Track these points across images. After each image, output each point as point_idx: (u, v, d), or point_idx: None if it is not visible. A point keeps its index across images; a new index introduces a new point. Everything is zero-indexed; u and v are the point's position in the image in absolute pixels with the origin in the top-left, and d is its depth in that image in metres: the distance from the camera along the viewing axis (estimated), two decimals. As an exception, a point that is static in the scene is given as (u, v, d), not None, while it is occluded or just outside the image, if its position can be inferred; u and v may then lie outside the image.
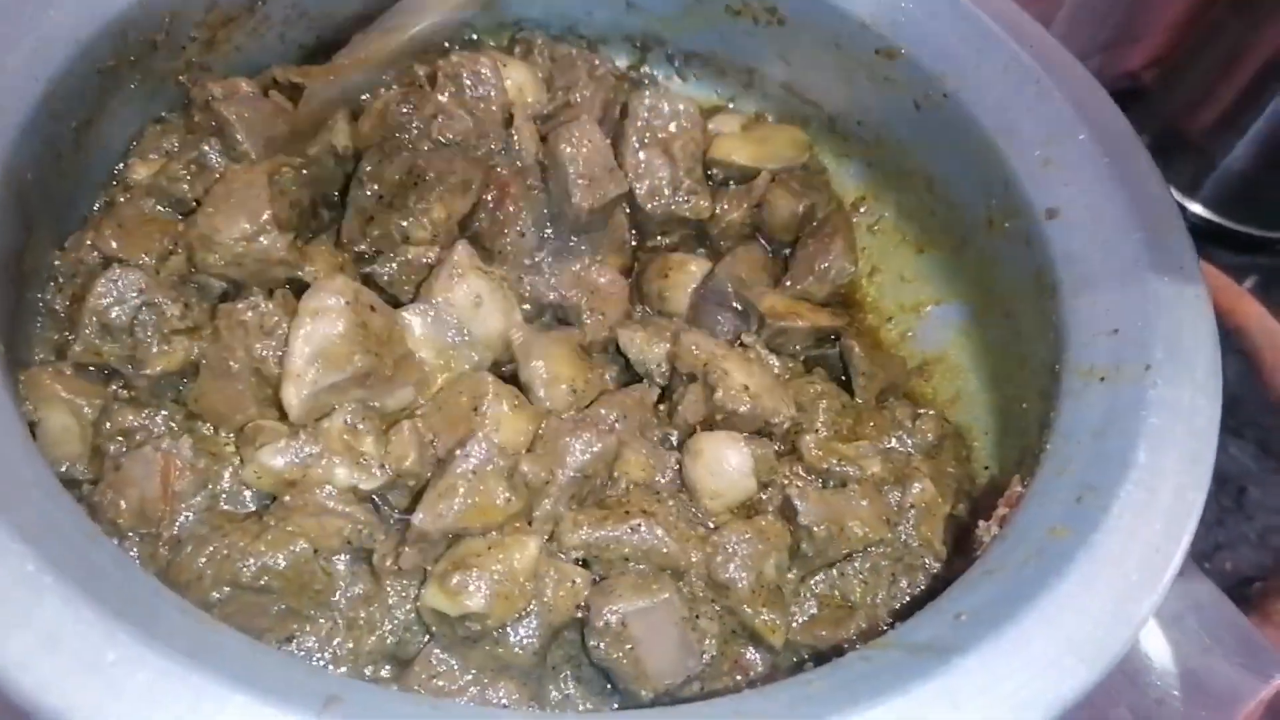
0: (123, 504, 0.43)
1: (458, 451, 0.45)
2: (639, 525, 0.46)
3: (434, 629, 0.43)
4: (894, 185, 0.68)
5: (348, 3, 0.63)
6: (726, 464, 0.49)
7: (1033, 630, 0.37)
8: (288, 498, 0.44)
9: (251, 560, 0.41)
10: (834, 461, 0.51)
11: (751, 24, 0.68)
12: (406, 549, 0.43)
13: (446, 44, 0.66)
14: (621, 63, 0.73)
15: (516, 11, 0.71)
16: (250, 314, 0.47)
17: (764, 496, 0.50)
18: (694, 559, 0.46)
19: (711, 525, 0.48)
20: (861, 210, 0.69)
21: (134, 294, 0.47)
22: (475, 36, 0.70)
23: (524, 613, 0.43)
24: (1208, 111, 1.07)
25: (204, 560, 0.41)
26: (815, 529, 0.48)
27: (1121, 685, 0.60)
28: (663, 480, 0.50)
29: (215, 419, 0.47)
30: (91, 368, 0.47)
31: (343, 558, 0.44)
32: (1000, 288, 0.59)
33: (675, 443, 0.52)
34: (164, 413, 0.47)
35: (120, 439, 0.45)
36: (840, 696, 0.35)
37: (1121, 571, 0.39)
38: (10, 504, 0.34)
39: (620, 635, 0.43)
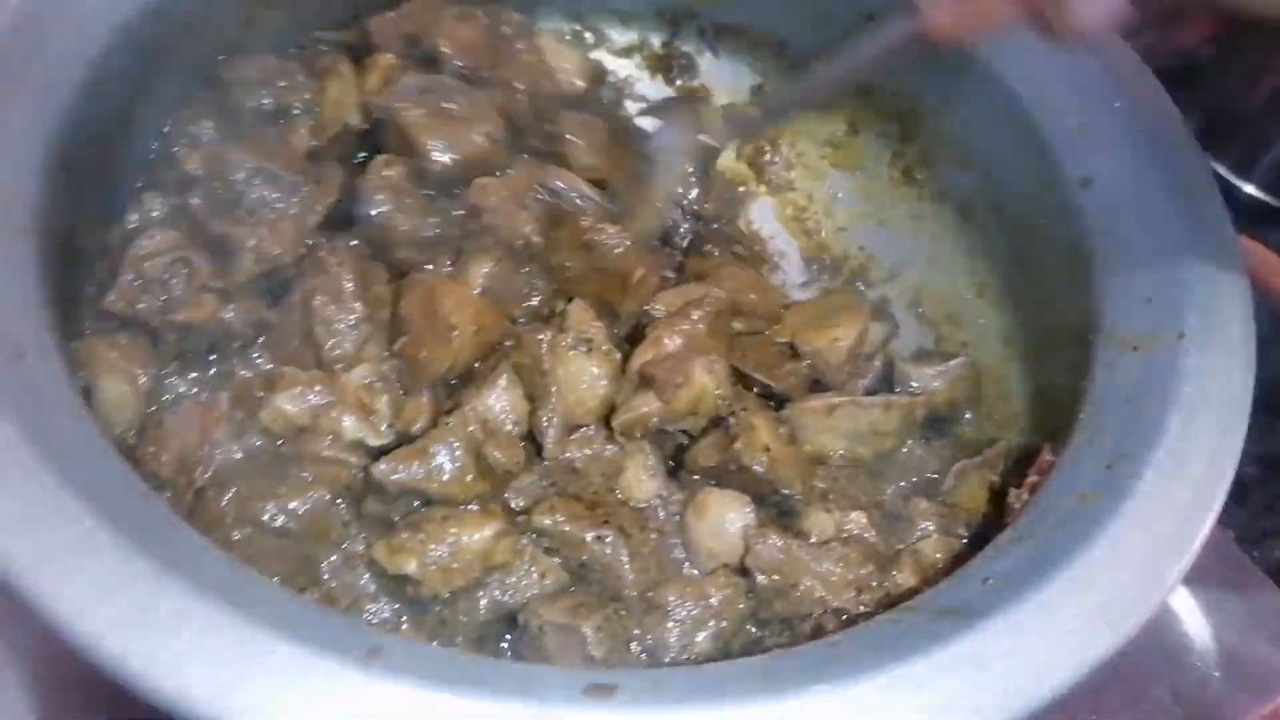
0: (164, 456, 0.45)
1: (443, 418, 0.46)
2: (606, 537, 0.46)
3: (379, 585, 0.44)
4: (932, 158, 0.68)
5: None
6: (730, 527, 0.48)
7: (1060, 595, 0.37)
8: (297, 444, 0.46)
9: (271, 503, 0.43)
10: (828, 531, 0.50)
11: (784, -5, 0.69)
12: (369, 496, 0.45)
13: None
14: (655, 39, 0.73)
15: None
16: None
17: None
18: (636, 597, 0.46)
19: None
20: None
21: (170, 249, 0.49)
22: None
23: (472, 588, 0.44)
24: (1262, 90, 1.05)
25: (226, 501, 0.43)
26: (759, 577, 0.46)
27: (1162, 666, 0.61)
28: (660, 515, 0.49)
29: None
30: (130, 325, 0.49)
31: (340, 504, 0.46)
32: (1034, 258, 0.59)
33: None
34: (212, 372, 0.49)
35: (168, 398, 0.48)
36: (866, 657, 0.35)
37: (1150, 538, 0.39)
38: (68, 465, 0.35)
39: (535, 639, 0.43)
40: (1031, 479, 0.45)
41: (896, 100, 0.68)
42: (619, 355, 0.50)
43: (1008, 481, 0.49)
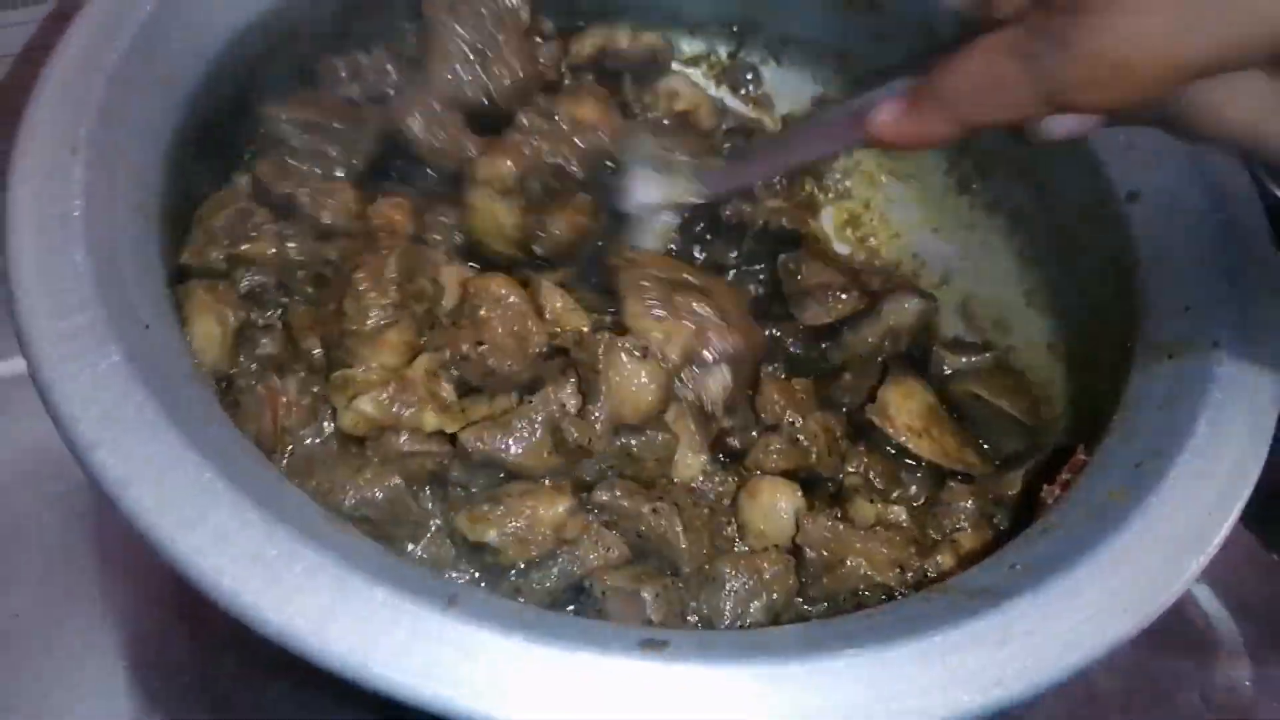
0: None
1: (526, 398, 0.50)
2: (661, 510, 0.49)
3: (459, 551, 0.48)
4: (986, 170, 0.70)
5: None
6: (782, 511, 0.52)
7: (1083, 580, 0.40)
8: (379, 439, 0.49)
9: (350, 493, 0.47)
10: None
11: (848, 7, 0.71)
12: (454, 465, 0.49)
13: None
14: (721, 50, 0.77)
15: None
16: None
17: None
18: (693, 570, 0.49)
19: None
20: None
21: (231, 204, 0.55)
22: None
23: (545, 559, 0.47)
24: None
25: (309, 490, 0.46)
26: (808, 552, 0.50)
27: (1193, 671, 0.62)
28: (710, 495, 0.53)
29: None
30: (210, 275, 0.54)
31: (427, 491, 0.49)
32: (1081, 267, 0.61)
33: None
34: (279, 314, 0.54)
35: (252, 365, 0.52)
36: (898, 627, 0.38)
37: (1173, 532, 0.41)
38: (190, 427, 0.40)
39: (598, 604, 0.47)
40: (1064, 476, 0.48)
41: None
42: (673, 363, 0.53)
43: (1042, 478, 0.51)
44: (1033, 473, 0.54)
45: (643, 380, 0.50)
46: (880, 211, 0.75)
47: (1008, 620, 0.38)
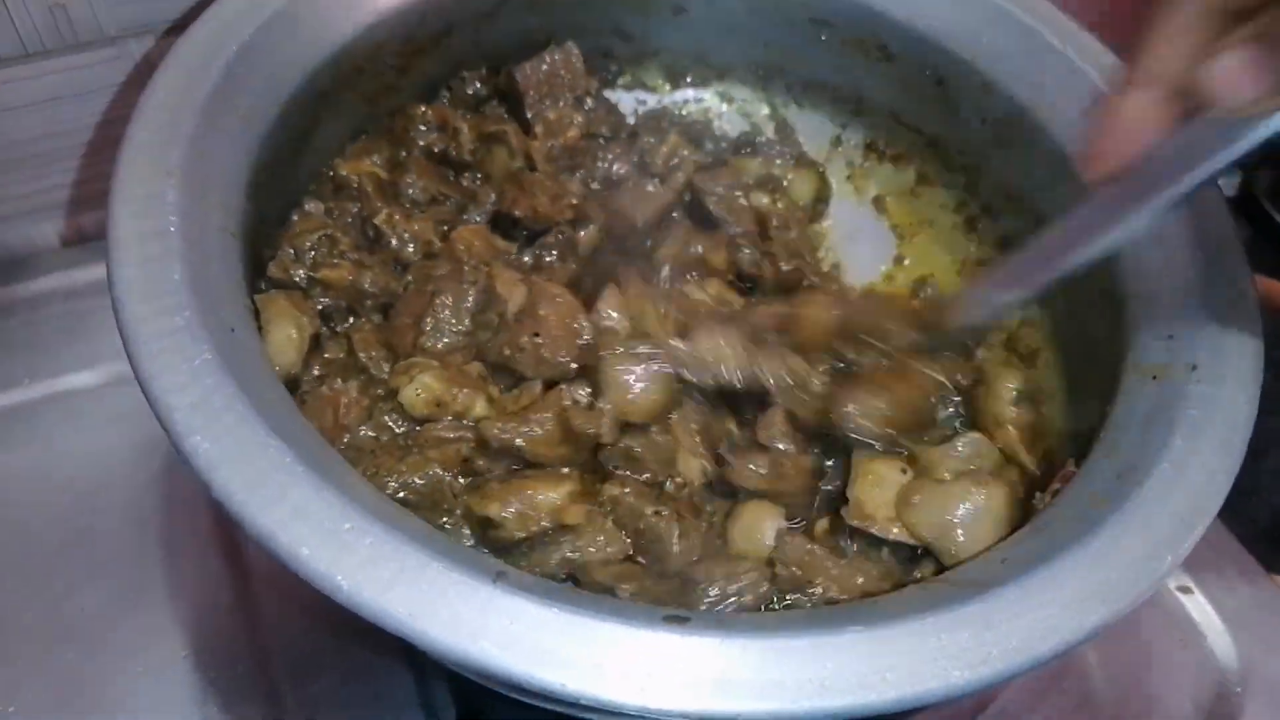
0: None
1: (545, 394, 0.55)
2: (664, 513, 0.54)
3: (474, 533, 0.53)
4: (991, 207, 0.75)
5: (512, 37, 0.75)
6: (763, 534, 0.55)
7: (1064, 573, 0.44)
8: (421, 428, 0.55)
9: (394, 478, 0.52)
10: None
11: (864, 58, 0.77)
12: (480, 454, 0.54)
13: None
14: (743, 92, 0.83)
15: (656, 42, 0.81)
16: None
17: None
18: (678, 571, 0.53)
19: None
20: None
21: (318, 229, 0.61)
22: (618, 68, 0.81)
23: (547, 540, 0.52)
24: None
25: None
26: (779, 568, 0.53)
27: (1185, 678, 0.66)
28: (709, 508, 0.57)
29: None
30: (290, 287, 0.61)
31: (459, 481, 0.55)
32: (1078, 299, 0.66)
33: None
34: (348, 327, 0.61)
35: (316, 369, 0.58)
36: (895, 610, 0.43)
37: (1148, 535, 0.46)
38: (271, 417, 0.45)
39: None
40: (1054, 486, 0.52)
41: (963, 157, 0.76)
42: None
43: (1034, 489, 0.56)
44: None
45: (643, 382, 0.55)
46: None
47: (994, 607, 0.43)
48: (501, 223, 0.69)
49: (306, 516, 0.42)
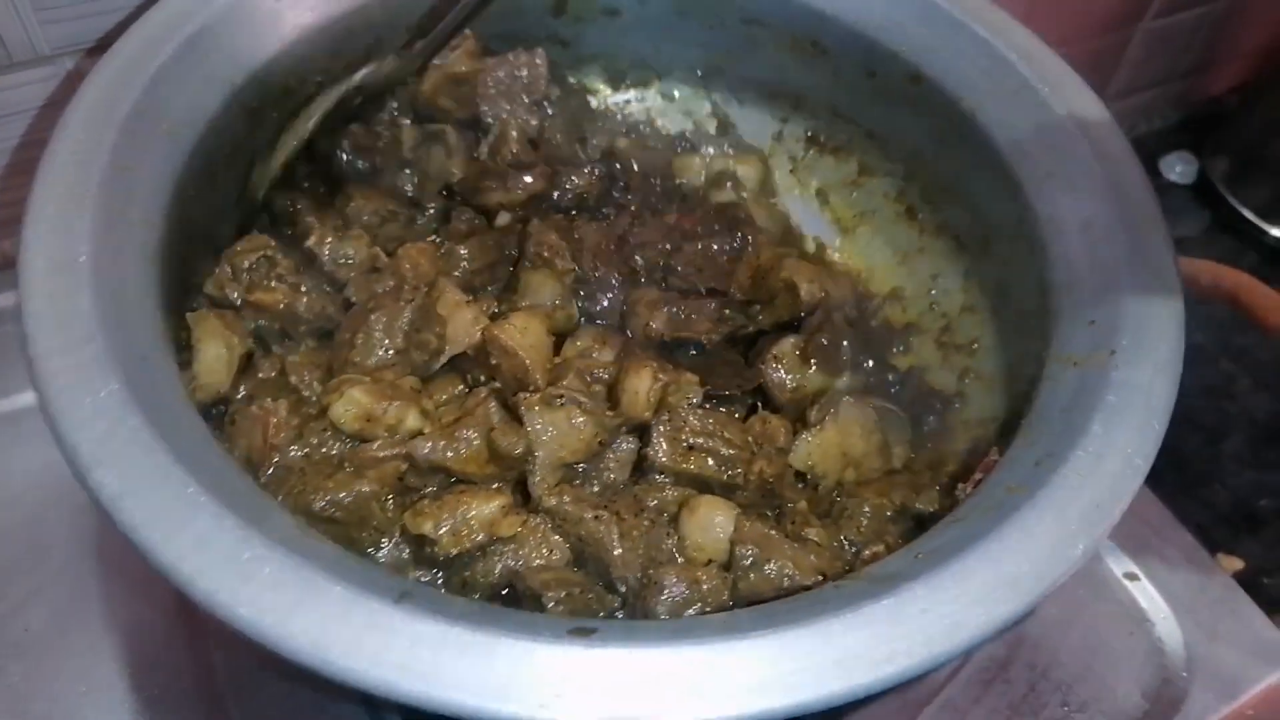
0: (236, 452, 0.55)
1: (473, 404, 0.55)
2: (602, 516, 0.53)
3: (411, 553, 0.53)
4: (930, 197, 0.75)
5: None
6: (718, 528, 0.55)
7: (975, 566, 0.44)
8: (356, 445, 0.55)
9: (319, 496, 0.52)
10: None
11: (799, 55, 0.77)
12: (409, 472, 0.54)
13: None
14: (684, 91, 0.82)
15: (592, 46, 0.81)
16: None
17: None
18: (629, 578, 0.53)
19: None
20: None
21: (259, 248, 0.61)
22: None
23: (485, 552, 0.52)
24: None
25: (283, 495, 0.52)
26: (738, 549, 0.53)
27: (1133, 665, 0.66)
28: (652, 505, 0.56)
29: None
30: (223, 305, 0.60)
31: (390, 501, 0.54)
32: (1012, 287, 0.65)
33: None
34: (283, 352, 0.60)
35: (243, 389, 0.58)
36: (805, 612, 0.42)
37: (1062, 522, 0.45)
38: (178, 445, 0.45)
39: (527, 604, 0.51)
40: (976, 476, 0.52)
41: (900, 148, 0.75)
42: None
43: (958, 480, 0.55)
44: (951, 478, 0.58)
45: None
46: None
47: (901, 603, 0.42)
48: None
49: (207, 546, 0.42)
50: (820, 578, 0.52)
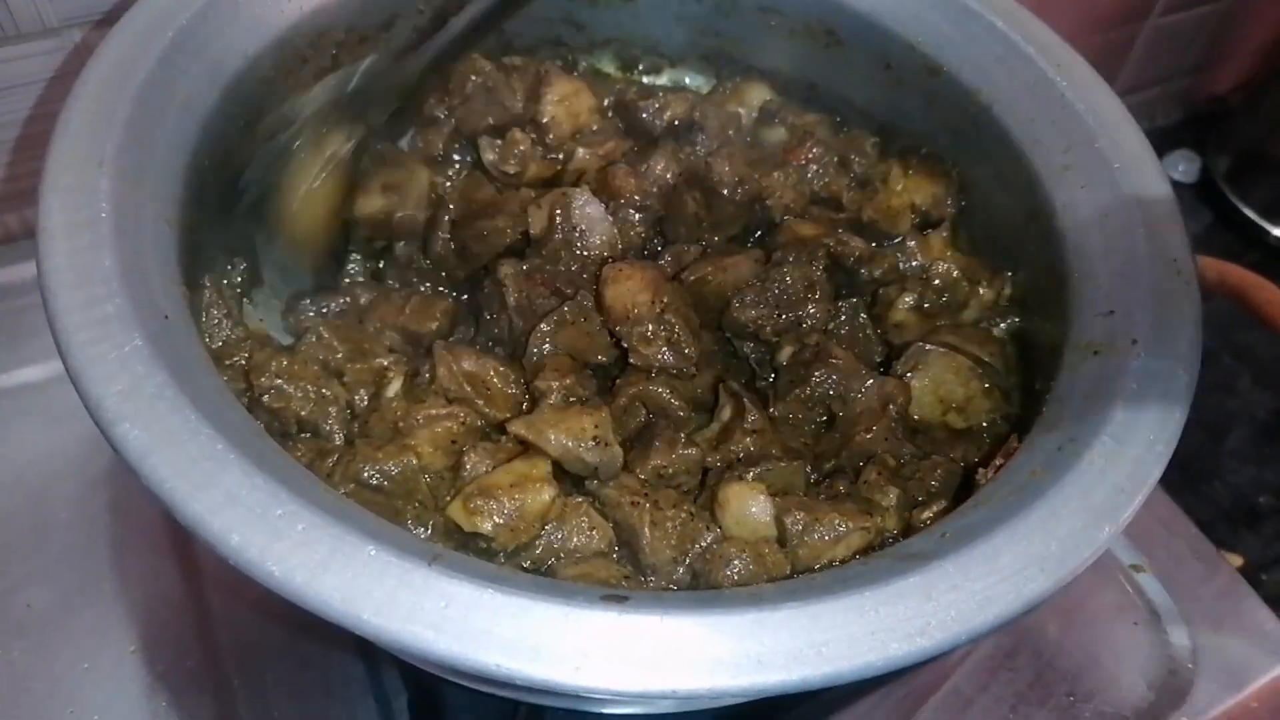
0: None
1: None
2: (639, 503, 0.53)
3: (444, 539, 0.52)
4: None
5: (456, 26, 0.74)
6: (756, 514, 0.54)
7: (1003, 545, 0.44)
8: (403, 423, 0.54)
9: (371, 465, 0.51)
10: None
11: (814, 45, 0.77)
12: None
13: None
14: (696, 80, 0.82)
15: (606, 31, 0.81)
16: None
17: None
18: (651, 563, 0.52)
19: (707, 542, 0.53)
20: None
21: (265, 346, 0.60)
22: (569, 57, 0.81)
23: (531, 542, 0.51)
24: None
25: (332, 463, 0.52)
26: (788, 521, 0.52)
27: (1140, 656, 0.67)
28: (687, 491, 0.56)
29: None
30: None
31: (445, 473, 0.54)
32: (1029, 277, 0.66)
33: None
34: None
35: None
36: (835, 586, 0.43)
37: (1087, 505, 0.46)
38: (204, 405, 0.44)
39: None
40: (997, 461, 0.52)
41: (917, 141, 0.76)
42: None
43: (978, 465, 0.56)
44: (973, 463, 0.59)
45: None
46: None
47: (932, 578, 0.43)
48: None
49: (237, 502, 0.41)
50: (871, 528, 0.52)
